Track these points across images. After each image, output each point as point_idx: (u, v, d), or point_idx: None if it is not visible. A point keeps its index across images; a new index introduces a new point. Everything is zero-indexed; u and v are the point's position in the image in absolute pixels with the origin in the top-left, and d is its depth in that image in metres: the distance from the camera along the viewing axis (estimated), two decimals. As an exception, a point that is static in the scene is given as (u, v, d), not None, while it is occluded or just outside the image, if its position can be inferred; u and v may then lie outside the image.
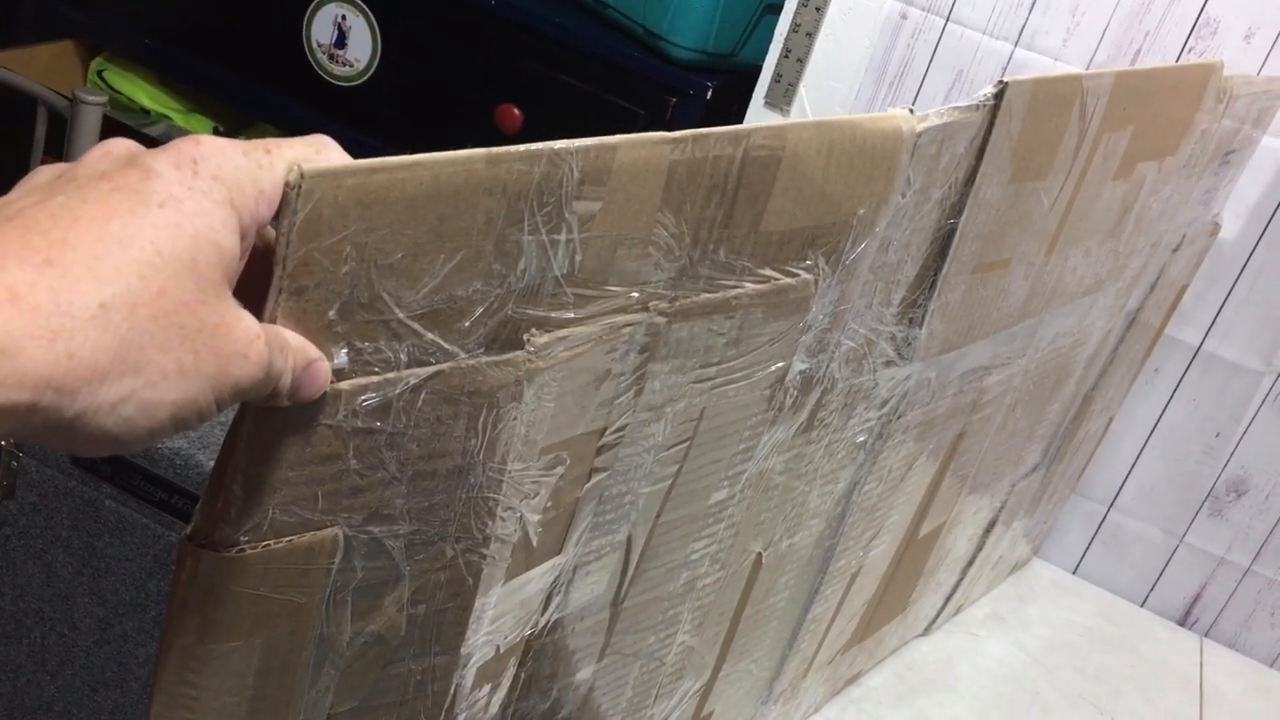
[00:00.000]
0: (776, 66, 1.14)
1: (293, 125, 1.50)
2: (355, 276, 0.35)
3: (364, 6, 1.34)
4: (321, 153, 0.36)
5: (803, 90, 1.13)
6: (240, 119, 1.63)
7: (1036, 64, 1.07)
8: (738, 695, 0.77)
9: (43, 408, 0.28)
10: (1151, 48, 1.03)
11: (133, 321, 0.30)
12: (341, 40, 1.36)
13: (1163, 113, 0.74)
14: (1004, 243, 0.66)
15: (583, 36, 1.25)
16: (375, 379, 0.38)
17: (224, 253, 0.32)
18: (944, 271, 0.63)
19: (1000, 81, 0.58)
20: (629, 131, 1.34)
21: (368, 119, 1.39)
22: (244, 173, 0.33)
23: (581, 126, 1.33)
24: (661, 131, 0.42)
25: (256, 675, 0.42)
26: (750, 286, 0.50)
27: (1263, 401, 1.10)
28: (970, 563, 1.01)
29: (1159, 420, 1.14)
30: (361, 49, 1.36)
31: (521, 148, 0.38)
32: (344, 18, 1.35)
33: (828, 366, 0.60)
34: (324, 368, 0.36)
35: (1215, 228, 1.00)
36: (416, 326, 0.38)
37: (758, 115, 1.16)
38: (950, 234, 0.61)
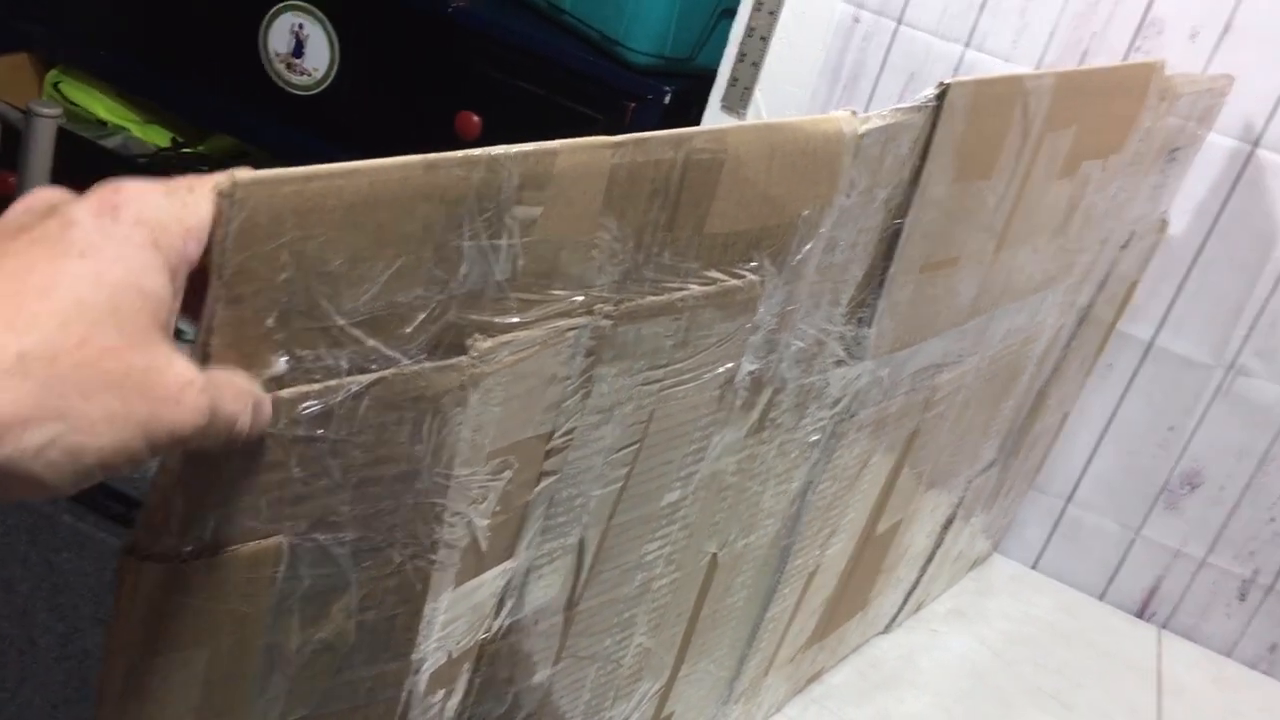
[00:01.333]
0: (732, 71, 1.15)
1: (251, 135, 1.49)
2: (293, 284, 0.35)
3: (321, 15, 1.34)
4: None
5: (758, 94, 1.14)
6: (198, 130, 1.62)
7: (986, 65, 1.08)
8: (698, 696, 0.77)
9: None
10: (1099, 49, 1.04)
11: (53, 370, 0.30)
12: (299, 49, 1.36)
13: (1106, 112, 0.75)
14: (951, 241, 0.67)
15: (541, 43, 1.25)
16: (316, 386, 0.38)
17: (149, 297, 0.32)
18: (891, 271, 0.63)
19: (941, 83, 0.59)
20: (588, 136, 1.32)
21: (327, 128, 1.39)
22: (167, 213, 0.33)
23: (541, 132, 1.33)
24: (600, 136, 0.42)
25: (203, 686, 0.42)
26: (696, 288, 0.51)
27: (1214, 395, 1.11)
28: (929, 559, 1.01)
29: (1114, 415, 1.15)
30: (319, 58, 1.35)
31: (459, 154, 0.38)
32: (301, 27, 1.34)
33: (777, 367, 0.60)
34: (266, 408, 0.37)
35: (1164, 224, 1.01)
36: (357, 333, 0.38)
37: (714, 119, 1.16)
38: (897, 234, 0.62)
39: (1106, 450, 1.17)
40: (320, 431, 0.39)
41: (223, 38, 1.42)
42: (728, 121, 1.17)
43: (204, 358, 0.35)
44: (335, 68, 1.35)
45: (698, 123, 1.18)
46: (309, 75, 1.37)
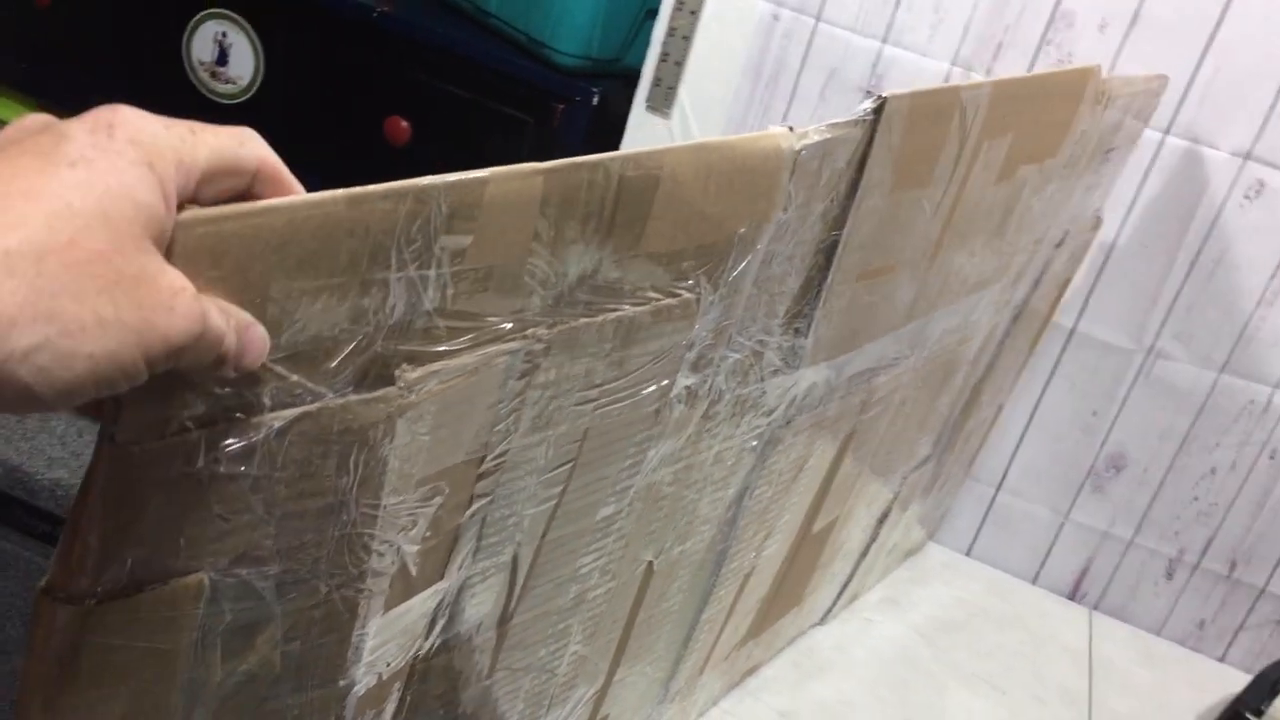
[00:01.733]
0: (656, 70, 1.15)
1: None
2: None
3: (244, 23, 1.31)
4: (245, 145, 0.36)
5: (683, 93, 1.14)
6: None
7: (904, 60, 1.09)
8: (633, 697, 0.77)
9: None
10: (1012, 41, 1.05)
11: (40, 269, 0.29)
12: (223, 58, 1.33)
13: (1042, 118, 0.76)
14: (888, 250, 0.67)
15: (468, 46, 1.24)
16: (237, 423, 0.37)
17: (141, 207, 0.31)
18: (829, 281, 0.63)
19: (879, 96, 0.58)
20: (519, 139, 1.34)
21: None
22: (163, 140, 0.33)
23: (470, 136, 1.32)
24: (531, 163, 0.41)
25: (123, 722, 0.41)
26: (630, 309, 0.50)
27: (1135, 379, 1.13)
28: (864, 553, 1.02)
29: (1039, 402, 1.17)
30: (244, 66, 1.33)
31: (384, 187, 0.37)
32: (224, 35, 1.32)
33: (713, 380, 0.60)
34: (261, 332, 0.36)
35: (1097, 221, 1.02)
36: (280, 369, 0.37)
37: (640, 119, 1.17)
38: (834, 245, 0.62)
39: (1034, 437, 1.19)
40: (242, 469, 0.38)
41: (145, 48, 1.39)
42: (653, 121, 1.17)
43: (116, 404, 0.34)
44: (260, 76, 1.33)
45: (623, 124, 1.18)
46: (234, 83, 1.34)
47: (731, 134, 1.15)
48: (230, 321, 0.34)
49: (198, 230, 0.33)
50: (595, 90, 1.20)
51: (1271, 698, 1.04)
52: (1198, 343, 1.10)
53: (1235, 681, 1.11)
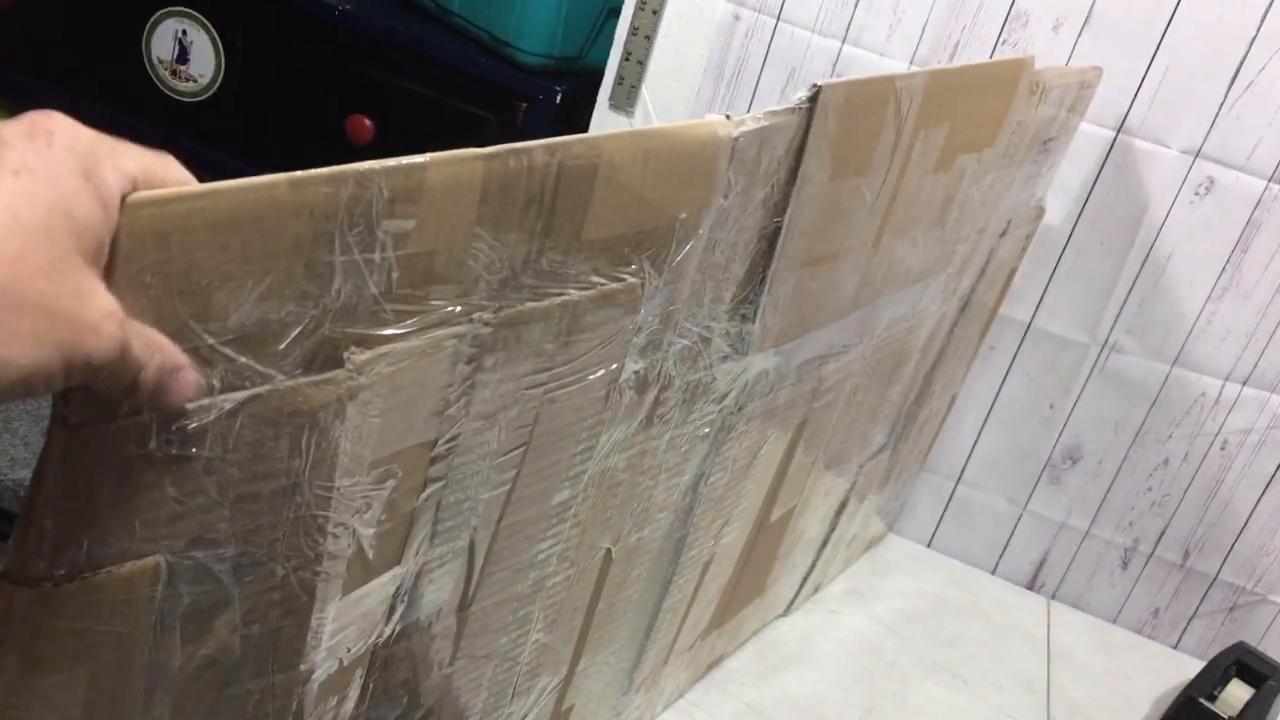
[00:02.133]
0: (618, 69, 1.16)
1: (138, 143, 1.45)
2: (159, 306, 0.35)
3: (204, 21, 1.31)
4: (170, 168, 0.36)
5: (645, 92, 1.16)
6: None
7: (863, 60, 1.11)
8: (598, 688, 0.78)
9: None
10: (969, 41, 1.08)
11: None
12: (183, 55, 1.33)
13: (978, 108, 0.78)
14: (831, 237, 0.69)
15: (431, 45, 1.24)
16: (188, 406, 0.38)
17: (78, 224, 0.32)
18: (773, 268, 0.65)
19: (814, 85, 0.60)
20: (482, 137, 1.35)
21: (215, 134, 1.37)
22: (99, 149, 0.33)
23: (433, 134, 1.32)
24: (471, 149, 0.43)
25: (84, 708, 0.41)
26: (575, 293, 0.51)
27: (1090, 372, 1.16)
28: (825, 543, 1.04)
29: (997, 395, 1.19)
30: (204, 63, 1.33)
31: (326, 170, 0.38)
32: (184, 33, 1.32)
33: (662, 365, 0.61)
34: (191, 378, 0.37)
35: (1040, 211, 1.05)
36: (228, 351, 0.38)
37: (603, 118, 1.18)
38: (776, 232, 0.63)
39: (992, 430, 1.21)
40: (194, 450, 0.39)
41: (105, 46, 1.39)
42: (617, 120, 1.18)
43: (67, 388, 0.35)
44: (221, 74, 1.33)
45: (589, 122, 1.19)
46: (194, 81, 1.34)
47: None
48: (156, 357, 0.35)
49: (144, 212, 0.34)
50: (558, 89, 1.21)
51: (1224, 684, 1.06)
52: (1150, 337, 1.13)
53: (1189, 668, 1.14)
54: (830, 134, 0.62)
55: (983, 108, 0.79)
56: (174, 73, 1.34)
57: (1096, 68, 0.98)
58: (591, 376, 0.56)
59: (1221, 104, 1.04)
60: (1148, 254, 1.10)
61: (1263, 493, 1.17)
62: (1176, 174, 1.07)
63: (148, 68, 1.36)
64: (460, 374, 0.48)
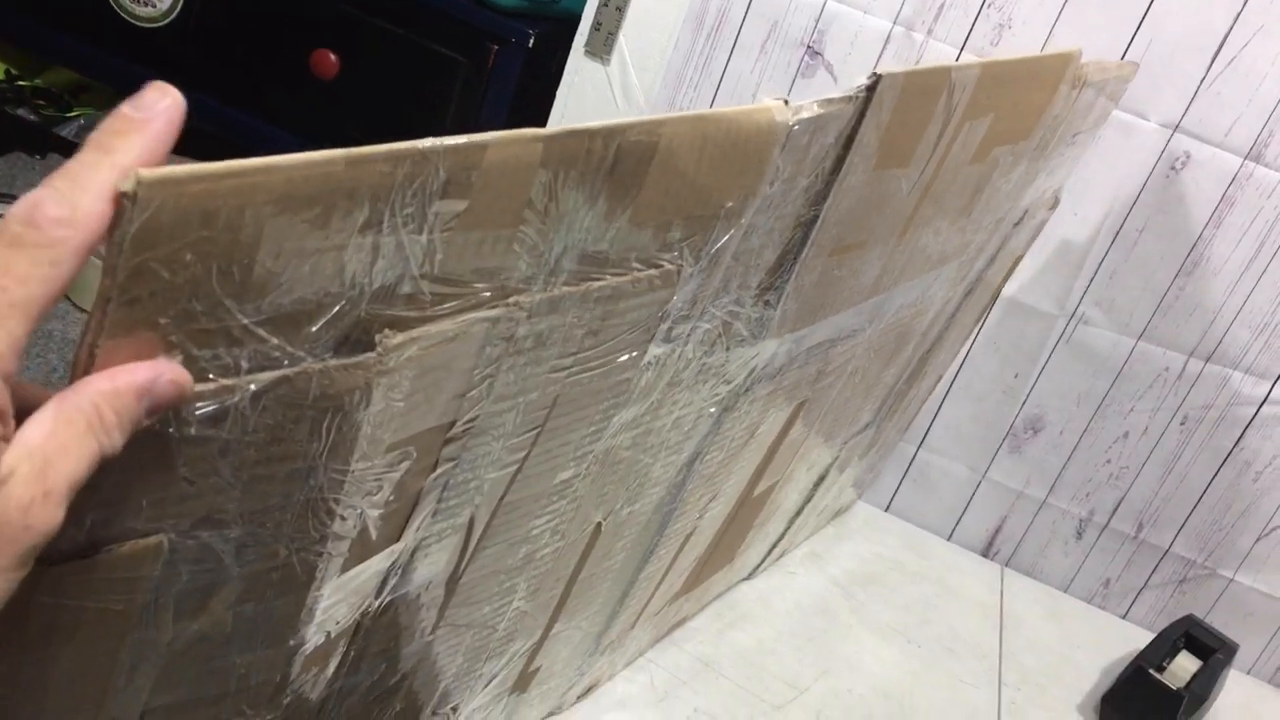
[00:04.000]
0: (595, 15, 1.12)
1: (92, 69, 1.39)
2: (196, 285, 0.32)
3: (165, -59, 1.25)
4: (60, 263, 0.30)
5: (623, 39, 1.12)
6: (36, 63, 1.51)
7: (846, 16, 1.09)
8: (566, 650, 0.77)
9: None
10: (954, 2, 1.05)
11: None
12: (142, -23, 1.27)
13: (1022, 100, 0.75)
14: (862, 226, 0.66)
15: (401, -20, 1.20)
16: (211, 387, 0.35)
17: None
18: (803, 256, 0.62)
19: (874, 73, 0.57)
20: (452, 79, 1.29)
21: (174, 63, 1.30)
22: None
23: (401, 74, 1.27)
24: (531, 128, 0.39)
25: (63, 681, 0.39)
26: (613, 279, 0.49)
27: (1056, 343, 1.15)
28: (799, 513, 1.03)
29: (963, 363, 1.18)
30: None
31: (385, 148, 0.35)
32: None
33: (682, 349, 0.59)
34: (174, 379, 0.33)
35: (1055, 200, 1.03)
36: (261, 332, 0.35)
37: (578, 64, 1.15)
38: (813, 220, 0.61)
39: (956, 397, 1.20)
40: (212, 433, 0.36)
41: None
42: (592, 67, 1.15)
43: (89, 359, 0.32)
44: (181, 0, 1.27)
45: (562, 67, 1.16)
46: (153, 6, 1.27)
47: (671, 82, 1.14)
48: (108, 421, 0.31)
49: (192, 188, 0.30)
50: (532, 32, 1.17)
51: (1172, 655, 1.08)
52: (1118, 310, 1.12)
53: (1137, 638, 1.15)
54: (881, 124, 0.60)
55: (1026, 100, 0.76)
56: None
57: (1133, 64, 0.96)
58: (616, 360, 0.53)
59: (1203, 79, 1.03)
60: (1120, 226, 1.09)
61: (1219, 468, 1.17)
62: (1154, 147, 1.06)
63: (105, -11, 1.29)
64: (488, 356, 0.45)
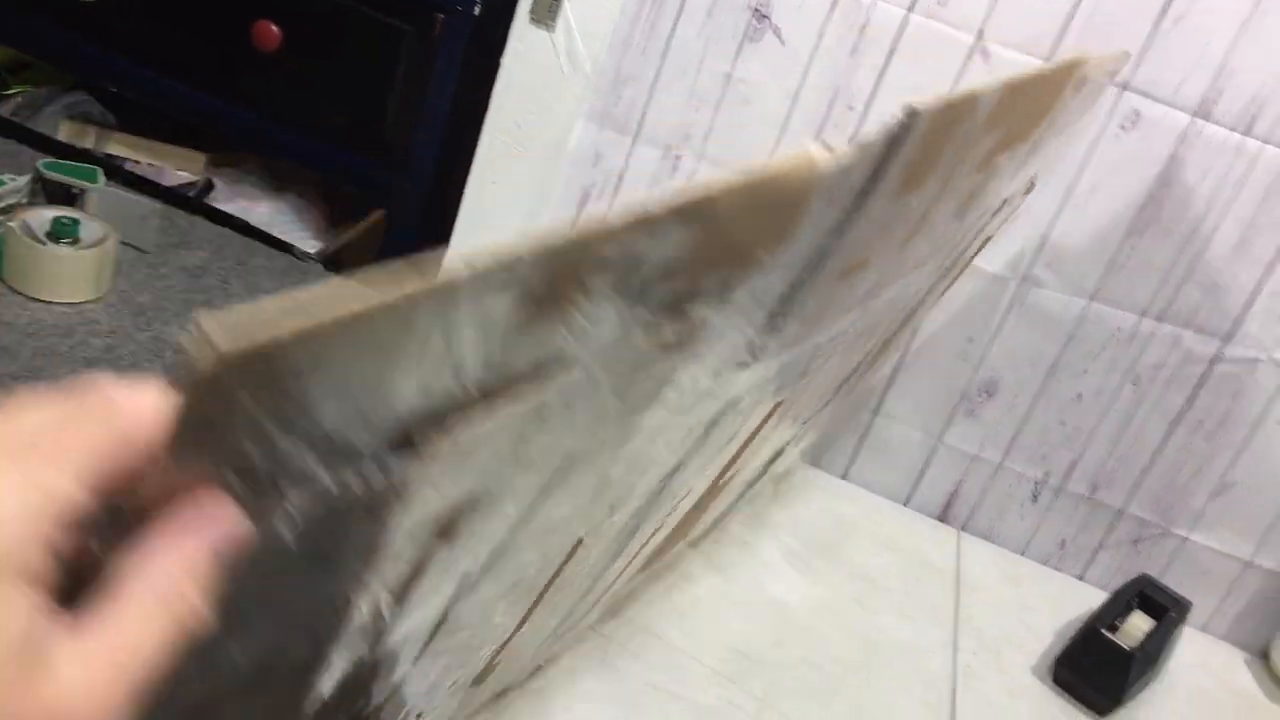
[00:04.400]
0: None
1: (33, 45, 1.30)
2: (249, 427, 0.29)
3: (100, -94, 1.15)
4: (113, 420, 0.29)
5: (567, 6, 1.07)
6: None
7: None
8: (529, 646, 0.76)
9: None
10: None
11: None
12: (76, -55, 1.17)
13: (1031, 109, 0.73)
14: (868, 246, 0.64)
15: (344, -52, 1.14)
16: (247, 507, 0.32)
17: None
18: (812, 283, 0.60)
19: (909, 107, 0.54)
20: (396, 49, 1.22)
21: (113, 36, 1.22)
22: (13, 529, 0.26)
23: (344, 44, 1.21)
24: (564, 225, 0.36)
25: None
26: (643, 342, 0.46)
27: (1009, 307, 1.15)
28: (752, 485, 1.02)
29: (918, 329, 1.17)
30: None
31: (463, 276, 0.31)
32: None
33: (690, 386, 0.56)
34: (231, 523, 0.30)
35: (1030, 185, 1.01)
36: (306, 457, 0.32)
37: (522, 31, 1.11)
38: (828, 250, 0.58)
39: (911, 363, 1.20)
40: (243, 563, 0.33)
41: None
42: (537, 35, 1.11)
43: (135, 512, 0.28)
44: (118, -34, 1.18)
45: (505, 36, 1.12)
46: None
47: (617, 48, 1.10)
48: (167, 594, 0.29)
49: (255, 335, 0.26)
50: (477, 1, 1.12)
51: (1126, 615, 1.10)
52: (1070, 271, 1.12)
53: (1093, 599, 1.16)
54: (907, 157, 0.57)
55: (1033, 109, 0.74)
56: None
57: (1125, 53, 0.94)
58: (631, 419, 0.51)
59: (1150, 36, 1.03)
60: (1071, 187, 1.09)
61: (1172, 428, 1.19)
62: (1103, 106, 1.05)
63: (42, -39, 1.20)
64: (522, 436, 0.42)
